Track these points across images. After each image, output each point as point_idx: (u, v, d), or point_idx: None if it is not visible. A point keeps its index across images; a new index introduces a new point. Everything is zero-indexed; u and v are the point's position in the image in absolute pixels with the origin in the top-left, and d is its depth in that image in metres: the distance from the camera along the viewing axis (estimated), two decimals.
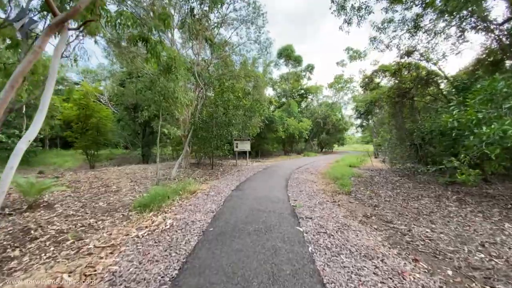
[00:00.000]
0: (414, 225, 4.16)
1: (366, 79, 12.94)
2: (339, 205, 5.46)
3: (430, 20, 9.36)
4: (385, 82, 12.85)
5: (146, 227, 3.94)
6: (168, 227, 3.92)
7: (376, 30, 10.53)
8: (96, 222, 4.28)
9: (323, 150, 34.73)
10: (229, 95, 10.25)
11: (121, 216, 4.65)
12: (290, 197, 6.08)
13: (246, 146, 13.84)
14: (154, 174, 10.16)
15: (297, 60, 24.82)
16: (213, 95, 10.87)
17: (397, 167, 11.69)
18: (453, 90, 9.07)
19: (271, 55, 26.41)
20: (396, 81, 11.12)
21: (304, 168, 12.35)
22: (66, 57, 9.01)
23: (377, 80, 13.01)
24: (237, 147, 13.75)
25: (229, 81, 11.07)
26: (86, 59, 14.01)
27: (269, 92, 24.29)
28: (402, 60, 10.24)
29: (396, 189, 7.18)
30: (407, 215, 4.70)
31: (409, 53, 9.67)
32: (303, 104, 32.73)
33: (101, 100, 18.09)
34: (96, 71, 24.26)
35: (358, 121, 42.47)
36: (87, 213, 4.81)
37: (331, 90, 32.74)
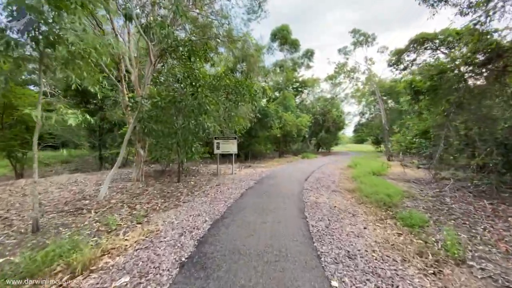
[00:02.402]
0: None
1: (397, 55, 9.30)
2: None
3: None
4: (425, 58, 9.23)
5: None
6: None
7: None
8: None
9: (319, 150, 31.32)
10: (200, 64, 6.29)
11: None
12: None
13: (231, 147, 9.89)
14: (78, 193, 6.12)
15: (294, 45, 21.09)
16: (177, 65, 6.83)
17: (445, 176, 8.20)
18: None
19: (264, 38, 22.59)
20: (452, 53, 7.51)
21: (315, 179, 8.57)
22: None
23: (410, 57, 9.38)
24: (218, 148, 9.78)
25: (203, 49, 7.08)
26: None
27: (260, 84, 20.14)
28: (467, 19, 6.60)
29: None
30: None
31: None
32: (298, 99, 29.14)
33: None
34: None
35: (356, 119, 39.66)
36: None
37: (329, 84, 29.37)
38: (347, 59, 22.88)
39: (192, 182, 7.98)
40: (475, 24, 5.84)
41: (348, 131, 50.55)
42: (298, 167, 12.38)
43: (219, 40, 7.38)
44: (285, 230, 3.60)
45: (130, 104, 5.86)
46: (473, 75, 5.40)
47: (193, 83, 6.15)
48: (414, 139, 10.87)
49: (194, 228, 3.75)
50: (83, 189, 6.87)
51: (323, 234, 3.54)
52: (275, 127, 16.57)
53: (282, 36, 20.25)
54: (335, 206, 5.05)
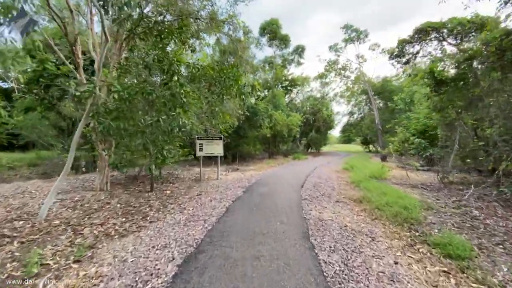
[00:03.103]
0: None
1: (400, 46, 8.46)
2: None
3: None
4: (430, 50, 8.44)
5: None
6: None
7: None
8: None
9: (309, 150, 30.57)
10: (178, 49, 5.03)
11: None
12: None
13: (216, 148, 8.65)
14: (16, 210, 4.73)
15: (284, 40, 20.03)
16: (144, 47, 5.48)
17: (453, 181, 7.43)
18: None
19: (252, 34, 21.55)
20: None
21: (312, 185, 7.51)
22: None
23: (414, 48, 8.57)
24: (201, 149, 8.50)
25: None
26: None
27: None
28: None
29: None
30: None
31: None
32: (287, 99, 28.21)
33: None
34: None
35: (345, 119, 39.39)
36: None
37: (319, 83, 28.68)
38: (338, 56, 22.22)
39: (168, 191, 6.67)
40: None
41: (335, 132, 50.39)
42: (291, 170, 11.31)
43: (200, 21, 6.11)
44: (288, 275, 2.45)
45: (77, 94, 4.49)
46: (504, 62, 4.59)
47: (166, 69, 4.87)
48: (413, 139, 10.12)
49: (152, 273, 2.51)
50: (26, 203, 5.41)
51: (344, 279, 2.42)
52: (264, 127, 15.45)
53: (271, 31, 19.13)
54: (346, 225, 3.97)
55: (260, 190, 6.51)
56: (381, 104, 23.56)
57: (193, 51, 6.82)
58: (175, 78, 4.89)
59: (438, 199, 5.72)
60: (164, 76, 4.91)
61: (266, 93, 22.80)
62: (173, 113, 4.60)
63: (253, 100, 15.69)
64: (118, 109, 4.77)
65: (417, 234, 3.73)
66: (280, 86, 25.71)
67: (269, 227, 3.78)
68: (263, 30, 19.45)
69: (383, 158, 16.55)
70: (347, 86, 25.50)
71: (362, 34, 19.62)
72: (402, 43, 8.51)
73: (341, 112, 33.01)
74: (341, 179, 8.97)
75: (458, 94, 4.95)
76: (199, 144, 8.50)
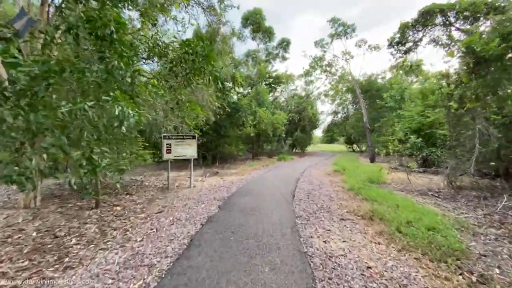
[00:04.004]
0: None
1: (401, 31, 7.45)
2: None
3: None
4: (435, 37, 7.51)
5: None
6: None
7: None
8: None
9: (293, 151, 29.58)
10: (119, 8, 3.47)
11: None
12: None
13: (188, 149, 7.08)
14: None
15: (268, 33, 18.67)
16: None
17: (461, 185, 6.54)
18: None
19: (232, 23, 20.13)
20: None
21: (305, 193, 6.21)
22: None
23: (417, 35, 7.60)
24: (169, 151, 6.89)
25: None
26: None
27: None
28: None
29: None
30: None
31: None
32: (271, 97, 26.97)
33: None
34: None
35: (329, 118, 39.00)
36: None
37: (303, 81, 27.77)
38: (325, 52, 21.30)
39: (118, 208, 5.02)
40: None
41: (317, 131, 50.13)
42: (278, 174, 9.97)
43: None
44: None
45: None
46: None
47: (99, 34, 3.28)
48: (414, 138, 9.22)
49: None
50: None
51: None
52: (248, 125, 14.01)
53: (254, 21, 17.67)
54: (369, 268, 2.64)
55: (242, 204, 5.06)
56: (367, 102, 23.03)
57: (154, 25, 5.23)
58: (113, 48, 3.31)
59: (461, 212, 4.63)
60: (95, 43, 3.31)
61: (250, 90, 21.37)
62: (106, 98, 3.02)
63: (235, 97, 14.18)
64: (25, 93, 3.08)
65: (473, 278, 2.50)
66: (264, 83, 24.40)
67: (254, 279, 2.35)
68: (246, 20, 17.93)
69: (372, 159, 15.80)
70: (332, 85, 24.65)
71: (350, 28, 18.83)
72: (404, 27, 7.47)
73: (325, 112, 32.40)
74: (335, 184, 7.77)
75: (506, 76, 3.87)
76: (166, 144, 6.88)
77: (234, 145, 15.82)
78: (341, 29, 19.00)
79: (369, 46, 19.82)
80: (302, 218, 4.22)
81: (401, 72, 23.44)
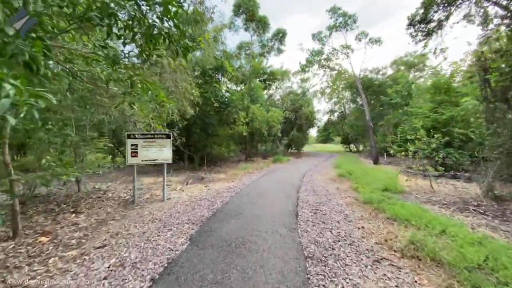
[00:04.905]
0: None
1: (424, 9, 6.11)
2: None
3: None
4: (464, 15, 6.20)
5: None
6: None
7: None
8: None
9: (289, 151, 28.20)
10: None
11: None
12: None
13: (160, 152, 5.54)
14: None
15: (263, 23, 17.15)
16: None
17: (501, 196, 5.27)
18: None
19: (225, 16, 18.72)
20: None
21: (311, 208, 4.77)
22: None
23: (441, 14, 6.30)
24: (135, 154, 5.34)
25: None
26: None
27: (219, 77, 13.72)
28: None
29: None
30: None
31: None
32: (266, 94, 25.51)
33: None
34: None
35: (325, 117, 37.85)
36: None
37: (299, 78, 26.43)
38: (323, 44, 19.88)
39: (44, 239, 3.45)
40: None
41: (312, 131, 48.98)
42: (273, 180, 8.51)
43: None
44: None
45: None
46: None
47: None
48: (438, 137, 7.95)
49: None
50: None
51: None
52: (240, 123, 12.51)
53: (247, 9, 16.13)
54: None
55: (224, 233, 3.55)
56: (368, 99, 21.80)
57: None
58: None
59: None
60: None
61: (243, 87, 19.84)
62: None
63: (224, 90, 12.62)
64: None
65: None
66: (258, 80, 22.90)
67: None
68: (238, 8, 16.32)
69: (376, 160, 14.53)
70: (331, 80, 23.30)
71: (351, 19, 17.51)
72: (428, 4, 6.10)
73: (322, 110, 31.18)
74: (345, 194, 6.36)
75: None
76: (132, 145, 5.32)
77: (225, 145, 14.32)
78: (341, 20, 17.64)
79: (369, 39, 18.56)
80: (315, 260, 2.76)
81: (402, 68, 22.26)
